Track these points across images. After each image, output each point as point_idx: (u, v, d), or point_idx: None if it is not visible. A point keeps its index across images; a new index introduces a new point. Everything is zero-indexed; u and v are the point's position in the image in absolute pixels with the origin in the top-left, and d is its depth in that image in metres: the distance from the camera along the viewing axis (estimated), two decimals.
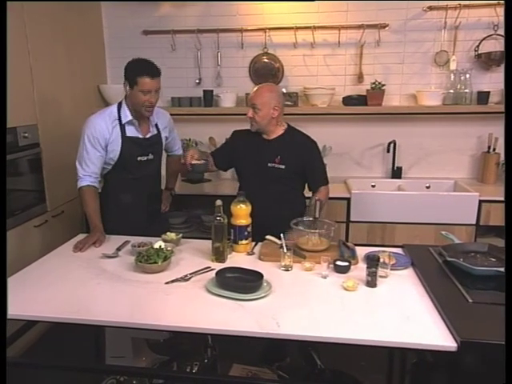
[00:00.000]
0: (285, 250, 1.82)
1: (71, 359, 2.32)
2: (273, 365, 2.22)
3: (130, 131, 2.26)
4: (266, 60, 3.40)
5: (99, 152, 2.22)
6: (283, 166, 2.28)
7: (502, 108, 2.83)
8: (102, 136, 2.19)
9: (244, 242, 1.99)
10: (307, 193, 2.46)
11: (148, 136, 2.32)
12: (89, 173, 2.24)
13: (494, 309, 1.41)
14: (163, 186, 2.66)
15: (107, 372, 2.10)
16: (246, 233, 1.98)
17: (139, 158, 2.30)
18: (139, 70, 2.12)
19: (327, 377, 2.10)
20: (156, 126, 2.37)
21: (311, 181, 2.40)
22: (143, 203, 2.38)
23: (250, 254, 1.99)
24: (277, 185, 2.30)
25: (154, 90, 2.15)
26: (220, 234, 1.87)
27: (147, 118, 2.29)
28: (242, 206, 1.96)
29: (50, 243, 2.37)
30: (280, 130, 2.33)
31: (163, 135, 2.42)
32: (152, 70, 2.14)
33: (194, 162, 2.20)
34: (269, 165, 2.29)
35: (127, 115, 2.23)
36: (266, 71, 3.40)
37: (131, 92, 2.16)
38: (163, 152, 2.51)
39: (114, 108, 2.26)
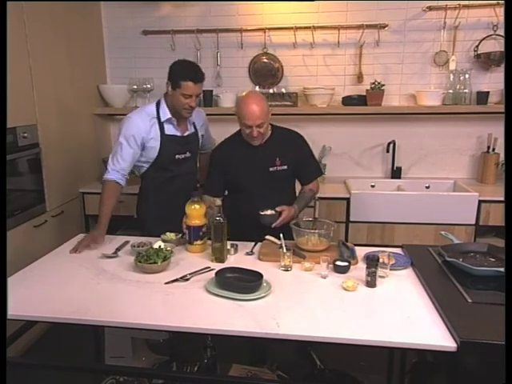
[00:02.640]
0: (284, 250, 1.82)
1: (71, 359, 2.33)
2: (273, 365, 2.22)
3: (169, 129, 2.27)
4: (265, 60, 3.40)
5: (133, 149, 2.21)
6: (286, 167, 2.21)
7: (501, 108, 2.83)
8: (139, 134, 2.19)
9: (199, 242, 2.00)
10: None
11: (186, 134, 2.34)
12: (118, 168, 2.21)
13: (493, 309, 1.41)
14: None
15: (107, 372, 2.10)
16: (200, 233, 1.99)
17: (177, 156, 2.31)
18: (184, 73, 2.12)
19: (327, 377, 2.11)
20: (193, 124, 2.39)
21: (307, 173, 2.31)
22: (180, 201, 2.31)
23: (250, 254, 1.99)
24: (283, 188, 2.27)
25: (195, 94, 2.15)
26: (220, 234, 1.87)
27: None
28: (196, 206, 1.97)
29: (50, 243, 2.38)
30: (268, 132, 2.22)
31: (200, 133, 2.44)
32: (196, 76, 2.13)
33: (264, 214, 2.08)
34: (270, 169, 2.19)
35: (166, 113, 2.24)
36: (265, 71, 3.40)
37: (173, 93, 2.17)
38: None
39: (153, 106, 2.26)
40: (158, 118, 2.24)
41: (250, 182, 2.21)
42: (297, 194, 2.36)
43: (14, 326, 1.61)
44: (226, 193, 2.36)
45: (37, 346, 2.69)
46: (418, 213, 2.92)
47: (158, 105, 2.27)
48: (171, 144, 2.27)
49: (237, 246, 2.01)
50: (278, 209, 2.09)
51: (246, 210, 2.14)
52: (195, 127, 2.40)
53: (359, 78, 3.31)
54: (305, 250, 1.93)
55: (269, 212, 2.08)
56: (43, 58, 2.74)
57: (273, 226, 2.06)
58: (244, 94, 2.14)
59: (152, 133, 2.22)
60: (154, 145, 2.24)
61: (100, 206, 2.19)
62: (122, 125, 2.24)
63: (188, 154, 2.36)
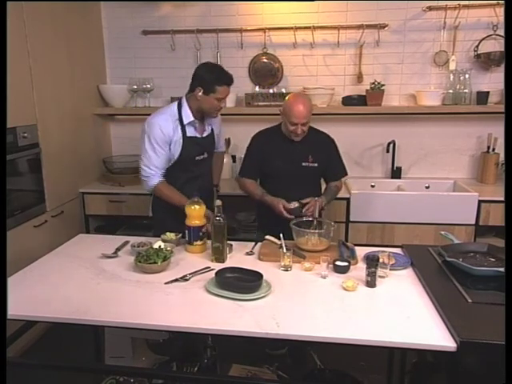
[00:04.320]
0: (284, 250, 1.82)
1: (71, 359, 2.33)
2: (273, 365, 2.23)
3: (190, 131, 2.29)
4: (265, 60, 3.40)
5: (165, 151, 2.24)
6: (316, 164, 2.37)
7: (501, 108, 2.83)
8: (168, 135, 2.22)
9: (199, 242, 2.00)
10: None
11: (205, 135, 2.37)
12: (157, 171, 2.25)
13: (493, 309, 1.41)
14: None
15: (107, 372, 2.10)
16: (200, 233, 1.99)
17: (197, 158, 2.33)
18: (219, 79, 2.16)
19: (327, 377, 2.11)
20: (210, 125, 2.41)
21: (333, 173, 2.50)
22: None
23: (250, 254, 1.99)
24: (310, 183, 2.42)
25: (227, 96, 2.24)
26: (220, 234, 1.87)
27: (204, 119, 2.34)
28: (196, 206, 1.97)
29: (50, 243, 2.38)
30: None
31: (215, 134, 2.47)
32: (230, 79, 2.21)
33: (288, 207, 2.19)
34: (303, 164, 2.35)
35: (189, 116, 2.25)
36: (265, 71, 3.40)
37: (204, 97, 2.18)
38: None
39: (174, 108, 2.27)
40: (180, 119, 2.25)
41: (282, 172, 2.36)
42: (321, 191, 2.50)
43: (14, 326, 1.61)
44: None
45: (37, 346, 2.69)
46: (418, 213, 2.92)
47: (179, 106, 2.27)
48: (192, 145, 2.29)
49: (231, 245, 2.01)
50: (303, 201, 2.22)
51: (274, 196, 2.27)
52: (211, 128, 2.42)
53: (359, 78, 3.31)
54: (305, 250, 1.93)
55: (292, 205, 2.19)
56: (43, 58, 2.74)
57: (302, 213, 2.17)
58: (291, 94, 2.39)
59: (176, 134, 2.24)
60: (177, 147, 2.26)
61: (172, 202, 2.22)
62: (147, 128, 2.24)
63: (206, 155, 2.38)
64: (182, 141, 2.25)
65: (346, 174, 2.57)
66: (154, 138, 2.21)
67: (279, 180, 2.37)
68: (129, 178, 3.30)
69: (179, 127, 2.25)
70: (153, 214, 2.47)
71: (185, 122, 2.25)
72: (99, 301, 1.57)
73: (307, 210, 2.19)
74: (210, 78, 2.17)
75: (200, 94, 2.19)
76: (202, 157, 2.36)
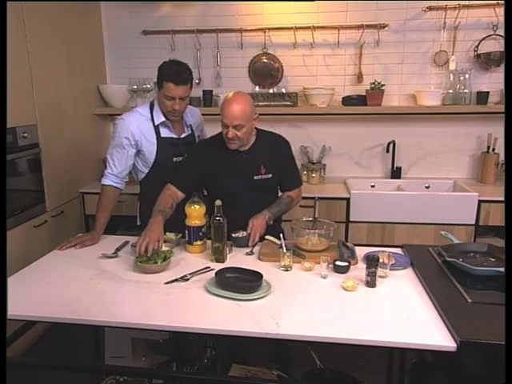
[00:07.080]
0: (284, 250, 1.82)
1: (71, 359, 2.32)
2: (273, 365, 2.22)
3: (164, 132, 2.22)
4: (265, 60, 3.40)
5: (128, 151, 2.18)
6: (270, 175, 2.10)
7: (501, 108, 2.84)
8: (132, 135, 2.16)
9: (199, 242, 1.99)
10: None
11: (182, 136, 2.30)
12: (115, 172, 2.20)
13: (493, 309, 1.41)
14: None
15: (107, 372, 2.10)
16: (200, 233, 1.98)
17: (175, 159, 2.26)
18: (166, 74, 2.05)
19: (327, 377, 2.11)
20: (190, 126, 2.35)
21: (287, 180, 2.19)
22: (181, 205, 2.12)
23: (250, 254, 1.99)
24: (266, 196, 2.14)
25: (178, 97, 2.06)
26: (220, 234, 1.87)
27: (181, 118, 2.27)
28: (196, 206, 1.96)
29: (50, 243, 2.38)
30: (253, 138, 2.09)
31: (196, 134, 2.40)
32: (178, 77, 2.02)
33: (234, 235, 2.00)
34: (255, 178, 2.07)
35: (160, 117, 2.20)
36: (265, 71, 3.40)
37: (158, 94, 2.14)
38: None
39: (146, 108, 2.23)
40: (153, 120, 2.20)
41: (233, 189, 2.08)
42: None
43: (14, 325, 1.61)
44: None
45: (37, 346, 2.69)
46: (418, 213, 2.92)
47: (151, 107, 2.23)
48: (168, 147, 2.23)
49: (231, 245, 2.00)
50: (248, 230, 1.99)
51: (226, 216, 1.91)
52: (192, 129, 2.36)
53: (359, 78, 3.31)
54: (305, 250, 1.93)
55: (241, 234, 2.02)
56: (43, 58, 2.74)
57: (250, 244, 2.00)
58: (232, 92, 2.00)
59: (147, 135, 2.19)
60: (151, 148, 2.20)
61: (97, 212, 2.18)
62: (115, 127, 2.21)
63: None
64: (156, 142, 2.20)
65: (300, 184, 2.26)
66: (118, 137, 2.17)
67: (231, 199, 2.03)
68: (128, 178, 3.29)
69: (151, 128, 2.20)
70: (141, 222, 2.40)
71: (156, 122, 2.20)
72: (99, 301, 1.57)
73: (253, 242, 1.98)
74: (161, 72, 2.09)
75: (156, 89, 2.16)
76: (181, 159, 2.26)
